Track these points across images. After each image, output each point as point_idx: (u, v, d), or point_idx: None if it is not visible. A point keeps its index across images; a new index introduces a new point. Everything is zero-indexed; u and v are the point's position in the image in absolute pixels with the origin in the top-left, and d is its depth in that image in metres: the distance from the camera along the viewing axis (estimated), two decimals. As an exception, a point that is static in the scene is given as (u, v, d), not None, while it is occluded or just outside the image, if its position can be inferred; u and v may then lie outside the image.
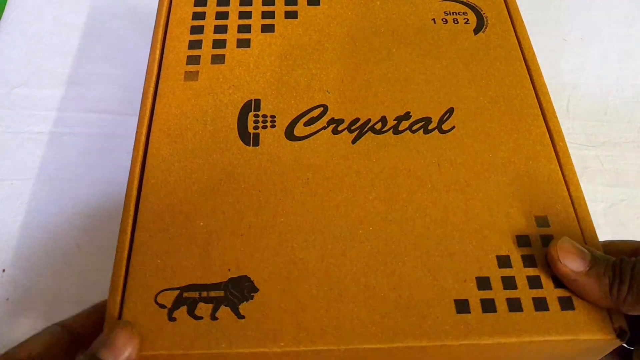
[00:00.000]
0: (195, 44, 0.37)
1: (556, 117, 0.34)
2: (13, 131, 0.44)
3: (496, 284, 0.28)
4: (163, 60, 0.36)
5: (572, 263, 0.26)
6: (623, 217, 0.36)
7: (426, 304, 0.27)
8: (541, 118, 0.33)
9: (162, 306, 0.27)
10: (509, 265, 0.28)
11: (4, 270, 0.38)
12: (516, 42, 0.37)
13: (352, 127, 0.33)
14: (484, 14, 0.38)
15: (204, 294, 0.27)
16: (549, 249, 0.27)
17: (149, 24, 0.50)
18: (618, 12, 0.53)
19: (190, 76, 0.35)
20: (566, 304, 0.27)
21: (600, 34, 0.51)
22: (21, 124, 0.44)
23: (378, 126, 0.33)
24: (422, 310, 0.27)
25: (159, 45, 0.36)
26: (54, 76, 0.46)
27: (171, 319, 0.27)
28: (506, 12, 0.39)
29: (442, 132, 0.33)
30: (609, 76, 0.49)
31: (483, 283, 0.28)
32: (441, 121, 0.33)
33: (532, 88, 0.35)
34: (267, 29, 0.37)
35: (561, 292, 0.27)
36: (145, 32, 0.49)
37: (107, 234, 0.40)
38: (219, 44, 0.37)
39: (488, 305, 0.27)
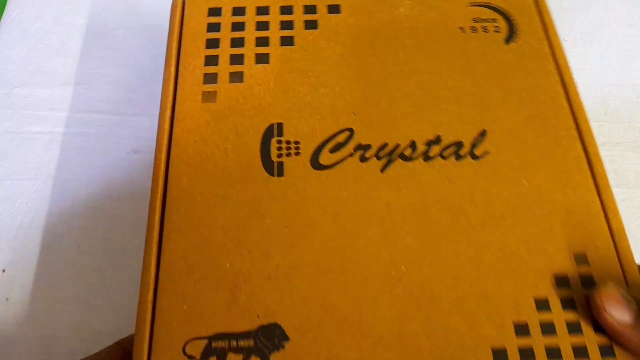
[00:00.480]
0: (211, 60, 0.35)
1: (594, 139, 0.32)
2: (13, 131, 0.43)
3: (534, 329, 0.27)
4: (179, 79, 0.34)
5: (618, 313, 0.25)
6: (623, 217, 0.36)
7: (463, 353, 0.26)
8: (578, 141, 0.32)
9: (190, 357, 0.27)
10: (548, 309, 0.27)
11: (3, 270, 0.38)
12: (549, 52, 0.35)
13: (380, 154, 0.31)
14: (514, 20, 0.36)
15: (233, 343, 0.27)
16: (593, 296, 0.26)
17: (150, 24, 0.48)
18: (618, 12, 0.52)
19: (208, 97, 0.33)
20: (607, 352, 0.26)
21: (600, 34, 0.50)
22: (21, 124, 0.44)
23: (407, 152, 0.31)
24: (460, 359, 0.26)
25: (173, 62, 0.35)
26: (54, 76, 0.46)
27: (201, 370, 0.26)
28: (538, 18, 0.36)
29: (475, 157, 0.31)
30: (609, 76, 0.48)
31: (521, 329, 0.27)
32: (473, 145, 0.32)
33: (567, 106, 0.33)
34: (287, 41, 0.35)
35: (602, 340, 0.27)
36: (145, 32, 0.48)
37: (107, 235, 0.40)
38: (237, 59, 0.35)
39: (527, 354, 0.26)
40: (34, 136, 0.43)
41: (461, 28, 0.36)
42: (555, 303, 0.27)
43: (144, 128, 0.44)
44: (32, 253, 0.39)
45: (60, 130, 0.44)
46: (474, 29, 0.36)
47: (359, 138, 0.32)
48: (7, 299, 0.38)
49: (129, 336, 0.31)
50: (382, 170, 0.31)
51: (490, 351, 0.26)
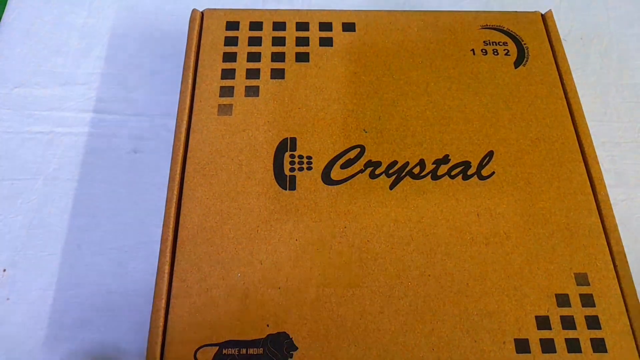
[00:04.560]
0: (228, 74, 0.36)
1: (597, 163, 0.33)
2: (13, 131, 0.44)
3: (535, 346, 0.28)
4: (196, 91, 0.35)
5: None
6: (623, 217, 0.36)
7: (465, 367, 0.27)
8: (582, 164, 0.33)
9: (202, 363, 0.27)
10: (548, 327, 0.28)
11: (4, 270, 0.39)
12: (558, 77, 0.36)
13: (390, 171, 0.32)
14: (525, 44, 0.37)
15: (243, 351, 0.28)
16: None
17: (150, 23, 0.48)
18: (618, 12, 0.52)
19: (224, 110, 0.34)
20: (605, 371, 0.27)
21: (600, 34, 0.50)
22: (21, 123, 0.44)
23: (416, 170, 0.32)
24: (461, 374, 0.27)
25: (191, 74, 0.36)
26: (54, 76, 0.46)
27: (212, 376, 0.27)
28: (548, 43, 0.37)
29: (482, 178, 0.32)
30: (609, 76, 0.48)
31: (521, 345, 0.28)
32: (481, 166, 0.32)
33: (573, 130, 0.34)
34: (302, 57, 0.36)
35: (599, 357, 0.27)
36: (145, 31, 0.48)
37: (107, 234, 0.40)
38: (253, 74, 0.36)
39: (527, 370, 0.27)
40: (34, 136, 0.44)
41: (472, 50, 0.37)
42: (555, 321, 0.28)
43: (143, 128, 0.44)
44: (32, 253, 0.40)
45: (60, 130, 0.44)
46: (484, 52, 0.37)
47: (370, 155, 0.33)
48: (7, 299, 0.38)
49: None
50: (391, 187, 0.32)
51: (491, 366, 0.27)
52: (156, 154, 0.43)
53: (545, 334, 0.28)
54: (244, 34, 0.37)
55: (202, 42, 0.37)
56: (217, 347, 0.28)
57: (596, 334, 0.28)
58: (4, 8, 0.49)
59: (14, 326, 0.37)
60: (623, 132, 0.46)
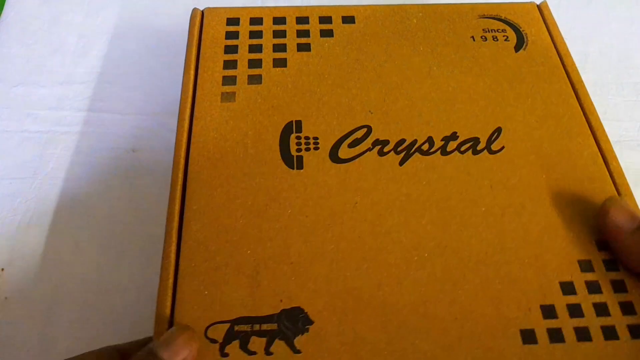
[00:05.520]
0: (230, 64, 0.35)
1: (607, 136, 0.33)
2: (12, 130, 0.43)
3: (562, 312, 0.26)
4: (198, 81, 0.35)
5: (620, 218, 0.27)
6: None
7: (490, 335, 0.26)
8: (592, 138, 0.32)
9: (212, 341, 0.26)
10: (574, 292, 0.27)
11: (2, 269, 0.38)
12: (558, 60, 0.36)
13: (399, 149, 0.32)
14: (523, 31, 0.37)
15: (257, 327, 0.26)
16: (603, 203, 0.28)
17: (149, 23, 0.48)
18: (618, 11, 0.53)
19: (227, 97, 0.34)
20: (637, 333, 0.26)
21: (601, 33, 0.51)
22: (20, 122, 0.44)
23: (425, 147, 0.32)
24: (487, 341, 0.26)
25: (192, 65, 0.35)
26: (52, 75, 0.46)
27: (223, 354, 0.25)
28: (545, 30, 0.38)
29: (492, 152, 0.32)
30: (609, 75, 0.49)
31: (548, 311, 0.27)
32: (490, 141, 0.32)
33: (579, 107, 0.34)
34: (303, 47, 0.36)
35: (631, 319, 0.26)
36: (145, 30, 0.48)
37: (106, 234, 0.39)
38: (255, 63, 0.36)
39: (555, 335, 0.26)
40: (33, 135, 0.43)
41: (472, 37, 0.37)
42: (581, 286, 0.27)
43: (143, 127, 0.44)
44: (31, 252, 0.39)
45: (59, 129, 0.43)
46: (484, 38, 0.37)
47: (377, 134, 0.32)
48: (6, 298, 0.37)
49: (126, 343, 0.30)
50: (401, 163, 0.31)
51: (519, 332, 0.26)
52: (155, 153, 0.42)
53: (572, 299, 0.27)
54: (244, 28, 0.38)
55: (203, 37, 0.37)
56: (229, 324, 0.26)
57: (623, 297, 0.27)
58: (3, 7, 0.48)
59: (12, 325, 0.36)
60: (623, 131, 0.46)
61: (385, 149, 0.32)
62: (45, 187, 0.41)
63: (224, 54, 0.36)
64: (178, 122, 0.33)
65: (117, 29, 0.48)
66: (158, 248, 0.36)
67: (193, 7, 0.39)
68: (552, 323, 0.26)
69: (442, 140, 0.32)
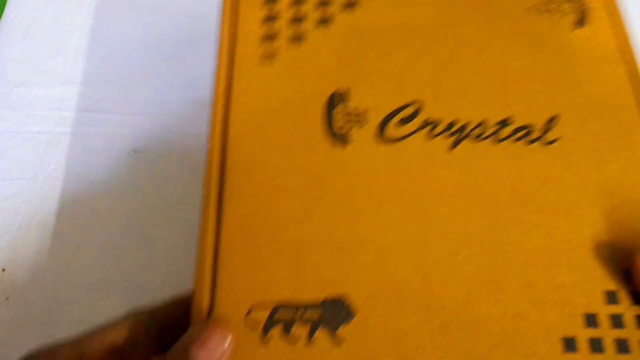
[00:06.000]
0: (270, 19, 0.33)
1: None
2: (13, 131, 0.44)
3: (604, 321, 0.26)
4: (236, 38, 0.32)
5: None
6: None
7: (533, 339, 0.26)
8: None
9: (254, 324, 0.26)
10: (616, 302, 0.27)
11: (3, 270, 0.39)
12: (619, 41, 0.34)
13: (450, 132, 0.30)
14: (584, 5, 0.35)
15: (299, 313, 0.26)
16: (635, 260, 0.26)
17: (151, 23, 0.47)
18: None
19: (267, 59, 0.32)
20: (676, 348, 0.26)
21: None
22: (21, 123, 0.44)
23: (477, 132, 0.30)
24: (529, 346, 0.26)
25: (227, 19, 0.33)
26: (54, 76, 0.46)
27: (265, 339, 0.25)
28: (608, 6, 0.35)
29: (547, 143, 0.30)
30: None
31: (590, 320, 0.26)
32: (545, 130, 0.31)
33: (633, 98, 0.32)
34: (350, 4, 0.34)
35: (672, 336, 0.26)
36: (147, 31, 0.47)
37: (107, 234, 0.40)
38: (297, 20, 0.33)
39: (596, 345, 0.26)
40: (34, 136, 0.43)
41: (530, 9, 0.35)
42: (624, 296, 0.27)
43: (144, 128, 0.44)
44: (32, 252, 0.39)
45: (61, 130, 0.44)
46: (543, 11, 0.35)
47: (428, 113, 0.31)
48: (7, 298, 0.38)
49: (156, 303, 0.29)
50: (452, 148, 0.30)
51: (560, 340, 0.26)
52: (156, 153, 0.42)
53: (614, 309, 0.27)
54: None
55: None
56: (271, 309, 0.26)
57: (667, 310, 0.27)
58: (4, 8, 0.48)
59: (13, 325, 0.37)
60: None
61: (436, 131, 0.30)
62: (46, 188, 0.41)
63: (264, 5, 0.34)
64: (214, 87, 0.31)
65: (118, 29, 0.48)
66: (158, 249, 0.37)
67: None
68: (594, 332, 0.26)
69: (495, 125, 0.31)
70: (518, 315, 0.26)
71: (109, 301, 0.38)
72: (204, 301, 0.26)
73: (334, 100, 0.31)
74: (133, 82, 0.45)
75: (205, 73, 0.43)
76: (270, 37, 0.32)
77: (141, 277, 0.38)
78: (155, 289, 0.37)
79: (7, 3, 0.48)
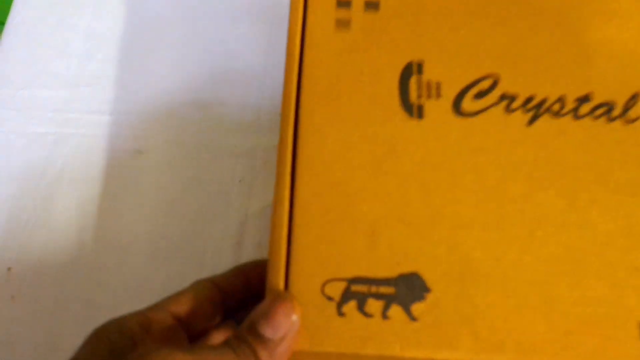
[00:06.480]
0: (345, -16, 0.32)
1: None
2: (19, 132, 0.44)
3: (684, 308, 0.26)
4: (308, 2, 0.32)
5: None
6: None
7: (609, 323, 0.26)
8: None
9: (329, 298, 0.26)
10: (698, 289, 0.26)
11: (9, 269, 0.40)
12: None
13: (527, 106, 0.29)
14: (675, -27, 0.33)
15: (374, 288, 0.26)
16: None
17: (153, 27, 0.47)
18: None
19: (342, 25, 0.31)
20: None
21: None
22: (27, 125, 0.45)
23: (555, 107, 0.29)
24: (607, 331, 0.25)
25: None
26: (58, 78, 0.46)
27: (340, 313, 0.25)
28: None
29: (628, 121, 0.29)
30: None
31: (670, 306, 0.26)
32: (626, 107, 0.29)
33: None
34: None
35: None
36: (148, 33, 0.47)
37: (111, 233, 0.41)
38: (373, -14, 0.32)
39: (675, 333, 0.25)
40: (40, 137, 0.44)
41: None
42: None
43: (148, 129, 0.44)
44: (37, 252, 0.40)
45: (66, 131, 0.44)
46: (628, -22, 0.33)
47: (505, 86, 0.30)
48: (12, 297, 0.39)
49: (221, 274, 0.30)
50: (529, 124, 0.29)
51: (636, 325, 0.26)
52: (161, 154, 0.42)
53: (695, 295, 0.26)
54: None
55: None
56: (346, 283, 0.26)
57: None
58: (9, 11, 0.49)
59: (19, 324, 0.38)
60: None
61: (513, 105, 0.30)
62: (51, 188, 0.42)
63: (338, -30, 0.32)
64: (287, 52, 0.31)
65: (122, 32, 0.48)
66: (164, 247, 0.37)
67: None
68: (673, 319, 0.26)
69: (575, 101, 0.30)
70: (596, 298, 0.26)
71: (114, 300, 0.39)
72: (278, 276, 0.26)
73: (409, 71, 0.30)
74: (138, 84, 0.45)
75: (207, 74, 0.44)
76: (345, 3, 0.31)
77: (144, 275, 0.39)
78: (158, 286, 0.39)
79: (12, 6, 0.49)
